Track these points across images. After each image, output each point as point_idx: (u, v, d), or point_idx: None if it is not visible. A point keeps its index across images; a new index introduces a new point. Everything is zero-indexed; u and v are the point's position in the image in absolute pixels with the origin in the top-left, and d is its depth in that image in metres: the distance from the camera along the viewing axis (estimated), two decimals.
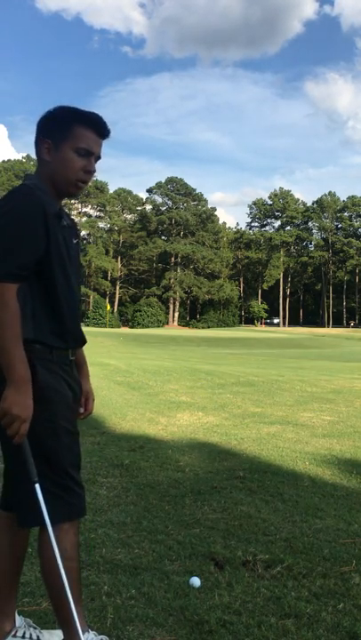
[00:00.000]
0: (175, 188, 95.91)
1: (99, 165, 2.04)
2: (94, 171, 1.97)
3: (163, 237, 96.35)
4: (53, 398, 1.86)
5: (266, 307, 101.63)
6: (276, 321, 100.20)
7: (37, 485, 1.80)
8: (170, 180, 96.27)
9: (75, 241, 2.02)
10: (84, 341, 2.06)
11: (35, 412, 1.78)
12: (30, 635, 2.05)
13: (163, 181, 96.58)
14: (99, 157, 1.99)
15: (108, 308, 69.14)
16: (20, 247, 1.76)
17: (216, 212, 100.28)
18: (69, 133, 1.91)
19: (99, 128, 1.95)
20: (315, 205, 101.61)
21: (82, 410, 2.13)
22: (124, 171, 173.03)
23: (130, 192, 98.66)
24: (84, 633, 1.89)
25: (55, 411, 1.86)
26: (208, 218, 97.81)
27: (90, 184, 1.99)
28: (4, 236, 1.75)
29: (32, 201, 1.82)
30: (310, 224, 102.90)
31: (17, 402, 1.72)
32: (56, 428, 1.86)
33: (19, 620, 2.07)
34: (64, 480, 1.87)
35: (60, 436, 1.87)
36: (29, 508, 1.82)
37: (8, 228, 1.76)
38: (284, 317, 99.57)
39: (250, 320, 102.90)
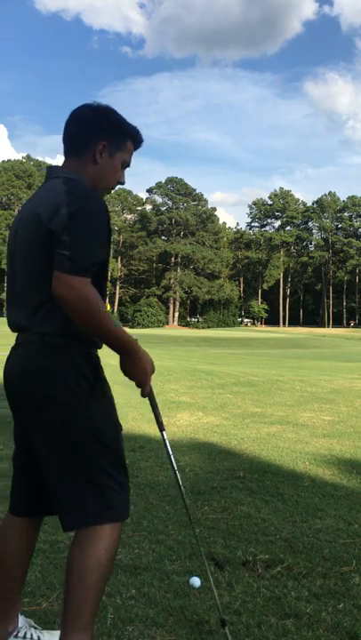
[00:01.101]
0: (175, 188, 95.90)
1: None
2: (124, 183, 2.07)
3: (163, 237, 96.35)
4: (108, 392, 1.91)
5: (266, 307, 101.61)
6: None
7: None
8: (170, 180, 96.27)
9: None
10: None
11: (98, 405, 1.83)
12: (32, 635, 2.05)
13: (163, 181, 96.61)
14: None
15: (109, 308, 68.29)
16: (97, 243, 1.76)
17: (216, 212, 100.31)
18: (124, 145, 1.99)
19: (139, 144, 2.07)
20: (315, 205, 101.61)
21: None
22: None
23: (130, 192, 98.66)
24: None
25: (111, 404, 1.91)
26: (208, 218, 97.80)
27: None
28: (84, 231, 1.73)
29: (97, 195, 1.84)
30: (310, 224, 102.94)
31: (139, 369, 1.85)
32: (114, 422, 1.90)
33: (21, 620, 2.07)
34: (122, 476, 1.89)
35: (118, 429, 1.91)
36: (93, 507, 1.80)
37: (87, 224, 1.74)
38: (284, 317, 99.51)
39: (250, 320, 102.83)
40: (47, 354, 1.79)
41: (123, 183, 2.06)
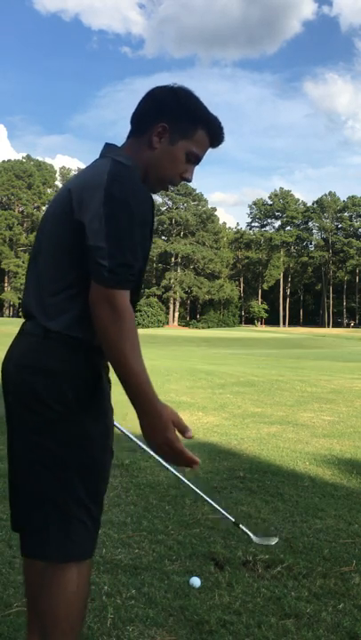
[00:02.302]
0: (175, 188, 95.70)
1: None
2: (190, 180, 1.77)
3: (163, 237, 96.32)
4: (108, 412, 1.67)
5: (266, 307, 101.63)
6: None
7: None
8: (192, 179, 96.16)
9: None
10: None
11: (91, 422, 1.59)
12: None
13: None
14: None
15: None
16: (140, 250, 1.54)
17: (216, 213, 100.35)
18: (191, 133, 1.68)
19: (217, 139, 1.75)
20: (315, 205, 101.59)
21: None
22: None
23: None
24: None
25: (109, 427, 1.67)
26: (208, 218, 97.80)
27: None
28: (127, 236, 1.49)
29: (145, 191, 1.59)
30: (310, 224, 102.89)
31: (158, 432, 1.51)
32: (106, 446, 1.65)
33: None
34: (96, 510, 1.63)
35: (108, 456, 1.67)
36: (56, 540, 1.57)
37: (130, 226, 1.50)
38: (284, 317, 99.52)
39: (250, 320, 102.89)
40: (48, 351, 1.56)
41: (188, 180, 1.75)
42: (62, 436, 1.56)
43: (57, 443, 1.56)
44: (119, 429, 1.87)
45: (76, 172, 1.75)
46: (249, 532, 2.09)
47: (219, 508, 2.17)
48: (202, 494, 2.10)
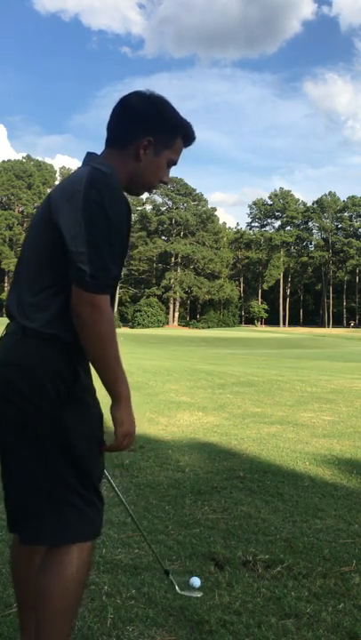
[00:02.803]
0: (175, 189, 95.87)
1: None
2: (168, 182, 1.93)
3: (163, 237, 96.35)
4: (91, 403, 1.73)
5: (266, 307, 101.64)
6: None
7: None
8: (170, 180, 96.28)
9: None
10: None
11: (73, 415, 1.65)
12: None
13: None
14: None
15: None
16: (117, 254, 1.61)
17: (216, 213, 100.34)
18: (172, 143, 1.82)
19: (190, 141, 1.88)
20: (315, 205, 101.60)
21: None
22: None
23: None
24: None
25: (91, 415, 1.73)
26: (208, 218, 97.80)
27: None
28: (104, 241, 1.58)
29: (123, 198, 1.67)
30: (310, 224, 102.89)
31: (131, 421, 1.70)
32: (90, 433, 1.71)
33: None
34: (90, 494, 1.71)
35: (94, 444, 1.73)
36: (51, 524, 1.65)
37: (109, 232, 1.59)
38: (284, 317, 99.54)
39: (250, 320, 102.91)
40: (27, 348, 1.64)
41: (166, 183, 1.90)
42: (45, 428, 1.64)
43: (40, 435, 1.64)
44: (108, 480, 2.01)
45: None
46: (175, 584, 2.21)
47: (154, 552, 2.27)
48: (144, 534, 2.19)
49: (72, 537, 1.67)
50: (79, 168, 1.74)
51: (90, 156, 1.78)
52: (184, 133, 1.84)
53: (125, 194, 1.77)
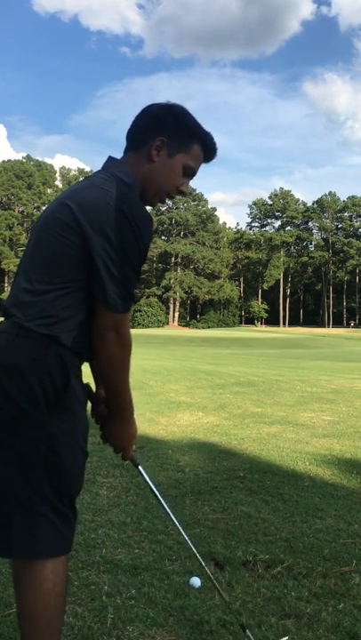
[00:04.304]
0: None
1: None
2: (186, 194, 1.86)
3: (163, 237, 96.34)
4: (77, 410, 1.66)
5: (266, 307, 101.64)
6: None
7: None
8: (189, 192, 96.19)
9: None
10: None
11: (59, 423, 1.60)
12: None
13: None
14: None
15: None
16: (138, 269, 1.62)
17: (216, 213, 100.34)
18: (188, 147, 1.75)
19: (210, 153, 1.82)
20: (315, 205, 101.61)
21: None
22: None
23: None
24: None
25: (77, 424, 1.66)
26: (208, 218, 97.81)
27: None
28: (132, 263, 1.59)
29: (147, 214, 1.64)
30: (310, 224, 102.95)
31: (133, 434, 1.79)
32: (74, 443, 1.65)
33: None
34: (64, 507, 1.64)
35: (77, 455, 1.67)
36: (23, 537, 1.59)
37: (135, 253, 1.59)
38: (284, 317, 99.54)
39: (250, 320, 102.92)
40: (18, 349, 1.58)
41: (184, 194, 1.82)
42: (28, 433, 1.58)
43: (22, 440, 1.58)
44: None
45: (75, 185, 1.74)
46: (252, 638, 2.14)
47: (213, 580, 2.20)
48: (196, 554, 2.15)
49: (42, 552, 1.60)
50: (99, 175, 1.69)
51: (111, 162, 1.76)
52: (203, 142, 1.78)
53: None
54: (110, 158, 1.77)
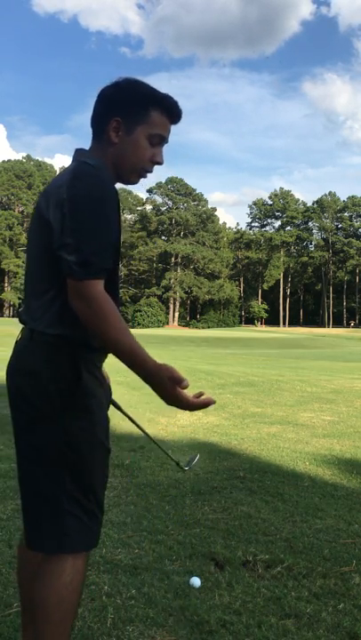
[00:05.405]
0: (175, 189, 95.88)
1: None
2: (162, 163, 1.76)
3: (163, 237, 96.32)
4: (94, 407, 1.66)
5: (266, 307, 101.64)
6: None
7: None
8: (170, 181, 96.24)
9: None
10: None
11: (76, 420, 1.62)
12: None
13: (163, 181, 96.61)
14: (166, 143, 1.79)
15: None
16: (103, 241, 1.56)
17: (216, 213, 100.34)
18: (145, 117, 1.69)
19: (174, 114, 1.74)
20: (315, 205, 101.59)
21: None
22: None
23: (130, 192, 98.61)
24: None
25: (95, 421, 1.66)
26: (208, 218, 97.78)
27: None
28: (88, 228, 1.54)
29: (112, 186, 1.61)
30: (310, 224, 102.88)
31: (170, 393, 1.55)
32: (93, 439, 1.65)
33: None
34: (90, 503, 1.66)
35: (96, 449, 1.67)
36: (49, 532, 1.63)
37: (91, 219, 1.54)
38: (284, 317, 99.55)
39: (250, 320, 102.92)
40: (32, 351, 1.63)
41: (160, 163, 1.75)
42: (47, 432, 1.62)
43: (42, 439, 1.62)
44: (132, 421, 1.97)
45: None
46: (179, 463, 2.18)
47: (170, 455, 2.24)
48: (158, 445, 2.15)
49: (69, 547, 1.63)
50: (68, 166, 1.71)
51: (77, 152, 1.75)
52: (161, 105, 1.71)
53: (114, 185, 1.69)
54: (76, 150, 1.76)
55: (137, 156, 1.71)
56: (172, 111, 1.73)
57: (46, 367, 1.61)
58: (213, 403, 1.65)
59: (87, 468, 1.65)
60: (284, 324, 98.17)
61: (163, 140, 1.74)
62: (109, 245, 1.58)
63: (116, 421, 6.34)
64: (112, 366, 2.09)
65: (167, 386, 1.55)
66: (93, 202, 1.55)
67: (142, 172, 1.75)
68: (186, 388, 1.57)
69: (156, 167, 1.79)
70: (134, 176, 1.76)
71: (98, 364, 1.74)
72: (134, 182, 1.78)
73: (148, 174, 1.79)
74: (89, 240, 1.53)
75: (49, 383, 1.60)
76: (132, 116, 1.69)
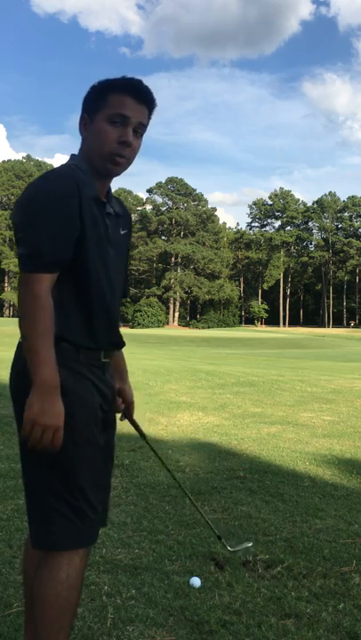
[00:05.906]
0: (175, 189, 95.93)
1: None
2: (129, 142, 1.70)
3: (163, 237, 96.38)
4: (75, 405, 1.65)
5: (266, 307, 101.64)
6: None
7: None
8: (170, 181, 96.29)
9: (123, 231, 1.85)
10: (120, 343, 1.87)
11: (67, 418, 1.61)
12: None
13: (163, 181, 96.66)
14: (144, 128, 1.75)
15: None
16: (53, 235, 1.59)
17: (216, 213, 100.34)
18: (103, 102, 1.70)
19: (136, 91, 1.70)
20: (315, 205, 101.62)
21: (119, 415, 2.01)
22: None
23: (130, 192, 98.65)
24: None
25: (77, 419, 1.65)
26: (208, 218, 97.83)
27: None
28: (36, 222, 1.59)
29: (65, 181, 1.64)
30: (310, 224, 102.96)
31: (44, 410, 1.54)
32: (75, 437, 1.64)
33: None
34: (77, 501, 1.65)
35: (80, 446, 1.66)
36: (39, 529, 1.66)
37: (40, 213, 1.59)
38: (284, 317, 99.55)
39: (250, 320, 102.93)
40: (20, 352, 1.67)
41: (128, 143, 1.70)
42: None
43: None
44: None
45: None
46: (227, 546, 2.24)
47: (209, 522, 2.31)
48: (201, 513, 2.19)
49: (58, 545, 1.64)
50: None
51: (70, 156, 1.81)
52: (118, 86, 1.70)
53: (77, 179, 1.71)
54: (72, 155, 1.82)
55: (101, 140, 1.70)
56: (130, 87, 1.70)
57: (26, 366, 1.61)
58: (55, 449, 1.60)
59: (72, 467, 1.65)
60: (284, 324, 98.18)
61: (125, 118, 1.69)
62: (63, 240, 1.61)
63: (117, 421, 6.34)
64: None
65: (44, 400, 1.54)
66: (40, 198, 1.61)
67: (113, 157, 1.71)
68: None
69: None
70: (107, 163, 1.72)
71: (95, 363, 1.74)
72: (112, 171, 1.75)
73: (132, 164, 1.78)
74: (37, 234, 1.60)
75: (28, 381, 1.59)
76: (93, 106, 1.73)
